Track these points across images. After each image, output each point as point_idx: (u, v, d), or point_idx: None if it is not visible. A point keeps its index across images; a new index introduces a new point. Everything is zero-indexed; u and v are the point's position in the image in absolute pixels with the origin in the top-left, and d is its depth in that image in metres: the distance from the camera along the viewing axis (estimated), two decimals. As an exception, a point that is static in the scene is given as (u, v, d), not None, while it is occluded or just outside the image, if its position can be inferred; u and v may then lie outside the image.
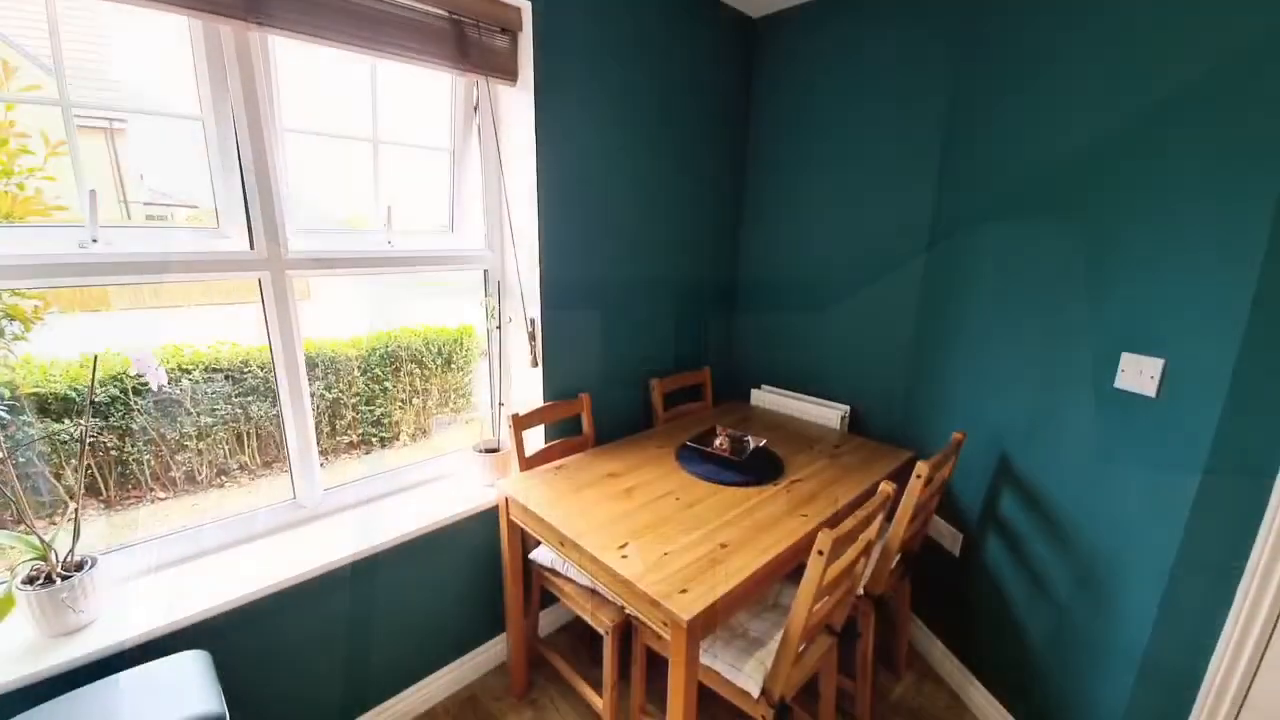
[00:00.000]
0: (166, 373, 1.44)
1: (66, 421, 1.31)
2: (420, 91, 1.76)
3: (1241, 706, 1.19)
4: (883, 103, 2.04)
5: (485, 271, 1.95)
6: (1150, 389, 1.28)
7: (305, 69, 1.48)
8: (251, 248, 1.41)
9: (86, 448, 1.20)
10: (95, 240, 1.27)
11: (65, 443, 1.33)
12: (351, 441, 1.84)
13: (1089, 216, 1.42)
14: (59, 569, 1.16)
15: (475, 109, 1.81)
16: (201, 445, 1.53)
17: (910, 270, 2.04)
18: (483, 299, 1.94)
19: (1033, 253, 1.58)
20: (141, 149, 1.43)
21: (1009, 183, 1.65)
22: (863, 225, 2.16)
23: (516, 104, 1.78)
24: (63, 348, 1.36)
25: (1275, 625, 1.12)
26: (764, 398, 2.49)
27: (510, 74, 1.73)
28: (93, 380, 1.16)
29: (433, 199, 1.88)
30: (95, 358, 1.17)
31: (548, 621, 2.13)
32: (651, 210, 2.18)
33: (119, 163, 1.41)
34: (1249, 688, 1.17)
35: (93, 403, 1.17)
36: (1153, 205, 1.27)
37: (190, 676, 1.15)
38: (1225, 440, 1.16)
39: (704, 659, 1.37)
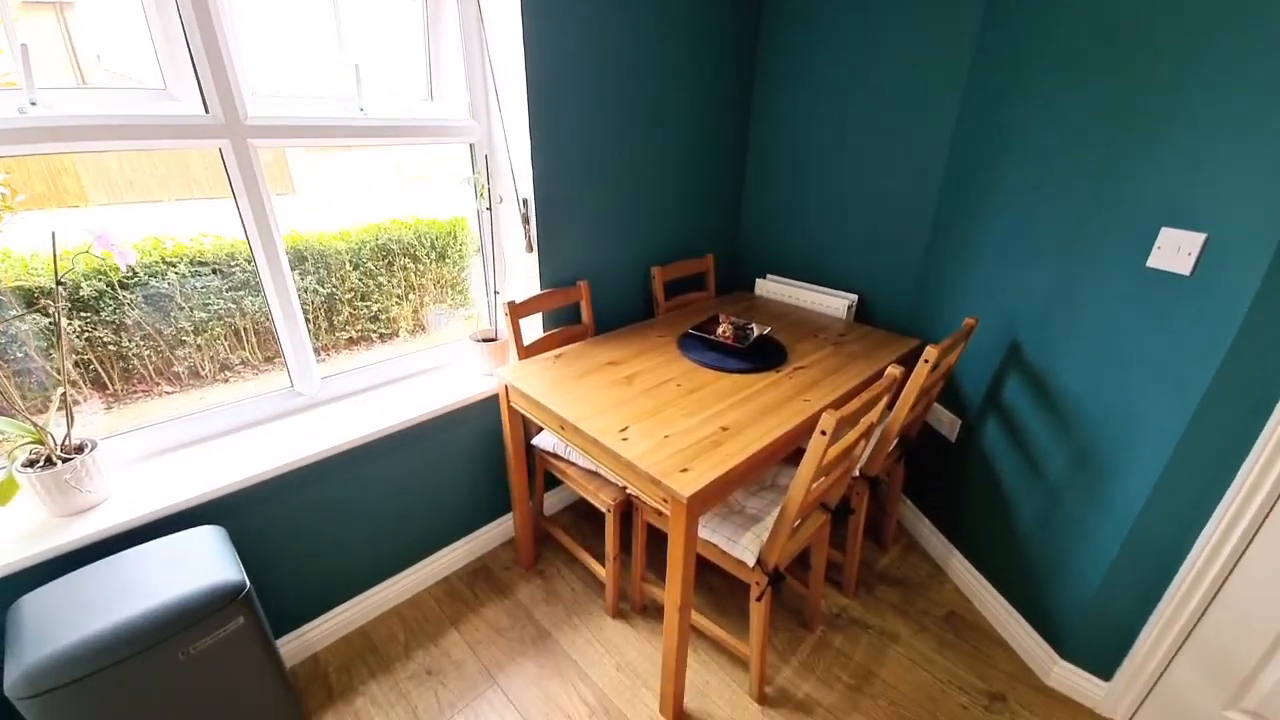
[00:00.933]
0: (148, 265, 1.38)
1: (53, 311, 1.27)
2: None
3: (1227, 578, 1.23)
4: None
5: (471, 146, 1.79)
6: (1185, 267, 1.20)
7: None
8: (206, 112, 1.27)
9: (64, 332, 1.17)
10: (34, 103, 1.14)
11: (49, 329, 1.30)
12: (351, 338, 1.81)
13: (1149, 70, 1.25)
14: (58, 452, 1.16)
15: (448, -55, 1.56)
16: (200, 340, 1.51)
17: (936, 144, 1.86)
18: (470, 176, 1.80)
19: (1076, 115, 1.42)
20: (92, 22, 1.29)
21: (1059, 30, 1.44)
22: (885, 95, 1.94)
23: (495, -62, 1.52)
24: (42, 243, 1.30)
25: (1274, 504, 1.13)
26: (768, 287, 2.41)
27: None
28: (54, 253, 1.09)
29: (407, 62, 1.67)
30: (54, 234, 1.09)
31: (552, 502, 2.22)
32: (654, 77, 1.95)
33: (73, 43, 1.29)
34: (1238, 560, 1.21)
35: (60, 282, 1.13)
36: (1222, 56, 1.10)
37: (210, 548, 1.19)
38: (1255, 322, 1.10)
39: (702, 533, 1.42)
